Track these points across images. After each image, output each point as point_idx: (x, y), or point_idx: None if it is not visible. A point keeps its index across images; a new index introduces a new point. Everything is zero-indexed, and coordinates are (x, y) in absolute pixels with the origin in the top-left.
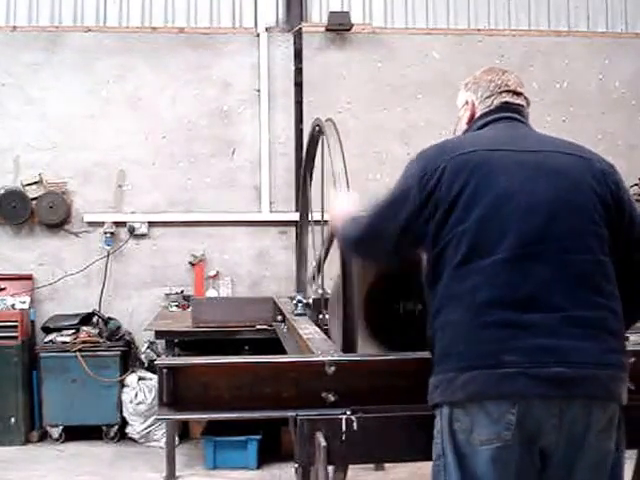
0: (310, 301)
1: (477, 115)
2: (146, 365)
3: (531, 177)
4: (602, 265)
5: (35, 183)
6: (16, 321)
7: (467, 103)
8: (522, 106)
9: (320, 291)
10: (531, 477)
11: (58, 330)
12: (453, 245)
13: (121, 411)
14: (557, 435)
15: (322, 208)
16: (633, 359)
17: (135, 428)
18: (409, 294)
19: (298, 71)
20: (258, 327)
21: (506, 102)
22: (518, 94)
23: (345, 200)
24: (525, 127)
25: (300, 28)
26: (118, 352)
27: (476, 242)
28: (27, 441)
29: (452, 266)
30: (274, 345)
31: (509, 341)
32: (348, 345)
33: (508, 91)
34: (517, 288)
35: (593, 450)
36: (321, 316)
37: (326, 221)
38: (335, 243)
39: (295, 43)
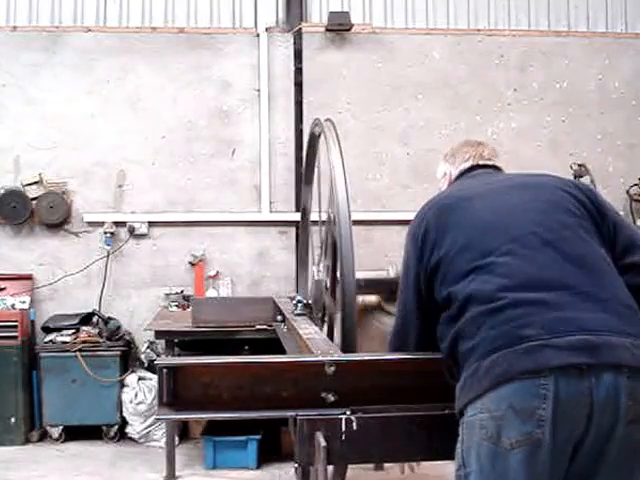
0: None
1: (454, 178)
2: (146, 365)
3: (509, 193)
4: (598, 251)
5: (35, 183)
6: (16, 321)
7: (445, 174)
8: (496, 167)
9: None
10: (561, 475)
11: (58, 330)
12: (454, 264)
13: (121, 411)
14: (587, 426)
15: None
16: None
17: (135, 428)
18: None
19: (298, 71)
20: (258, 327)
21: (478, 164)
22: (491, 162)
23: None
24: (501, 173)
25: (300, 28)
26: (118, 352)
27: (474, 249)
28: (27, 441)
29: (458, 279)
30: (274, 345)
31: (525, 317)
32: (348, 345)
33: (482, 159)
34: (522, 273)
35: (622, 442)
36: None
37: (325, 221)
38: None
39: (295, 43)
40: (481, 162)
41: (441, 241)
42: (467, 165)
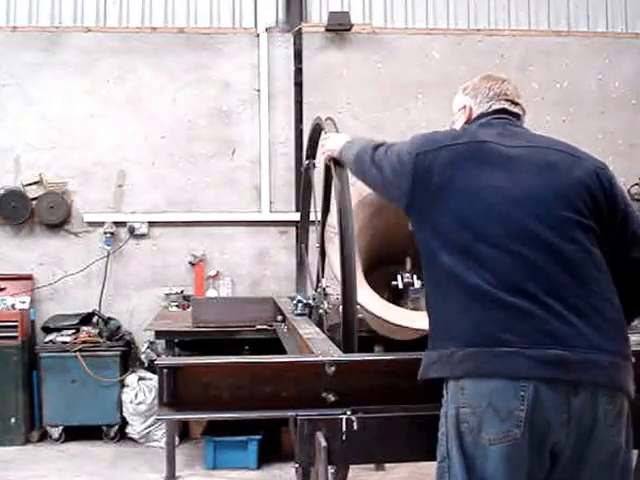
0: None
1: (474, 117)
2: (146, 365)
3: (521, 170)
4: (592, 255)
5: (35, 183)
6: (16, 321)
7: (464, 107)
8: (518, 115)
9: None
10: (541, 476)
11: (58, 330)
12: (443, 231)
13: (121, 411)
14: (566, 431)
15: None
16: (634, 360)
17: (135, 428)
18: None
19: (298, 71)
20: (258, 327)
21: (504, 108)
22: (515, 104)
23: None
24: (520, 127)
25: (300, 28)
26: (118, 352)
27: (468, 229)
28: (27, 441)
29: (448, 250)
30: (274, 345)
31: (508, 321)
32: (348, 345)
33: (506, 100)
34: (512, 274)
35: (602, 445)
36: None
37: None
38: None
39: (295, 43)
40: (505, 105)
41: (439, 195)
42: (490, 106)
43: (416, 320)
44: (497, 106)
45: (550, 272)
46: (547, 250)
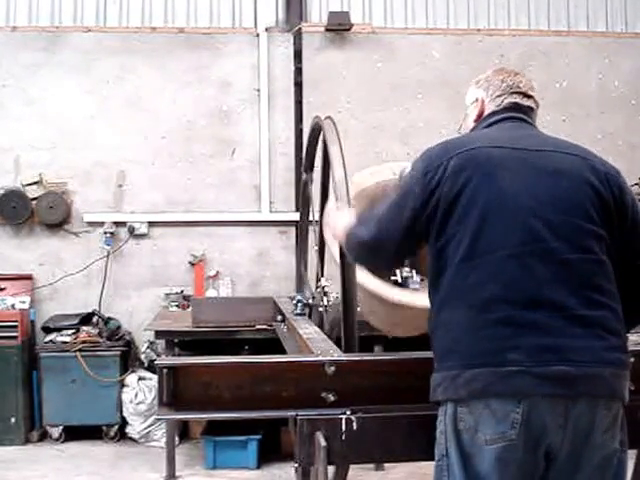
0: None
1: (485, 113)
2: (146, 365)
3: (532, 176)
4: (602, 265)
5: (35, 183)
6: (16, 321)
7: (477, 100)
8: (531, 108)
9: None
10: (535, 477)
11: (58, 330)
12: (456, 241)
13: (121, 411)
14: (562, 435)
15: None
16: (632, 359)
17: (135, 428)
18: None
19: (298, 71)
20: (258, 327)
21: (516, 103)
22: (529, 97)
23: (343, 213)
24: (530, 128)
25: (300, 28)
26: (118, 352)
27: (478, 239)
28: (27, 441)
29: (455, 262)
30: (274, 345)
31: (512, 339)
32: (348, 345)
33: (519, 92)
34: (520, 286)
35: (598, 450)
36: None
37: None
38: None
39: (295, 43)
40: (517, 99)
41: (452, 206)
42: (501, 100)
43: (416, 300)
44: (509, 100)
45: (560, 284)
46: (559, 261)
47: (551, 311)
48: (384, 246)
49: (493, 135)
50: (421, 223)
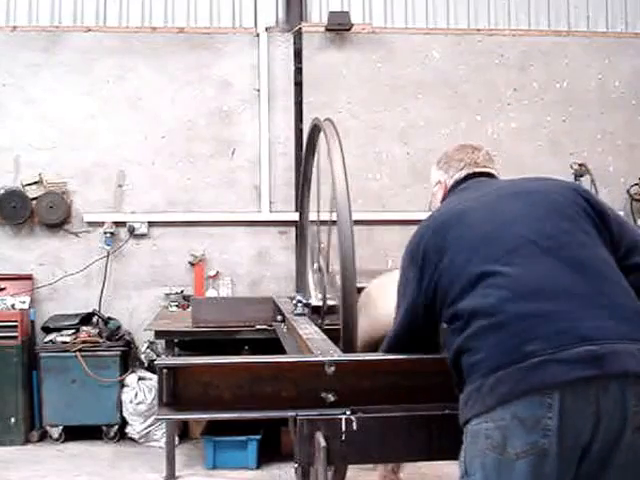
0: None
1: (448, 189)
2: (146, 365)
3: (505, 201)
4: (600, 255)
5: (35, 183)
6: (16, 321)
7: (439, 182)
8: (490, 174)
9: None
10: None
11: (58, 330)
12: (456, 271)
13: (121, 411)
14: (594, 433)
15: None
16: None
17: (135, 428)
18: None
19: (298, 71)
20: (258, 327)
21: (474, 172)
22: (486, 172)
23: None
24: (495, 180)
25: (300, 28)
26: (118, 352)
27: (478, 258)
28: (27, 441)
29: (462, 287)
30: (274, 345)
31: (528, 332)
32: (348, 345)
33: (476, 167)
34: (523, 284)
35: (629, 451)
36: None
37: (324, 221)
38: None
39: (295, 43)
40: (476, 170)
41: (441, 261)
42: (462, 175)
43: None
44: (467, 172)
45: (562, 273)
46: (555, 257)
47: (560, 298)
48: (414, 338)
49: (460, 197)
50: (424, 299)
